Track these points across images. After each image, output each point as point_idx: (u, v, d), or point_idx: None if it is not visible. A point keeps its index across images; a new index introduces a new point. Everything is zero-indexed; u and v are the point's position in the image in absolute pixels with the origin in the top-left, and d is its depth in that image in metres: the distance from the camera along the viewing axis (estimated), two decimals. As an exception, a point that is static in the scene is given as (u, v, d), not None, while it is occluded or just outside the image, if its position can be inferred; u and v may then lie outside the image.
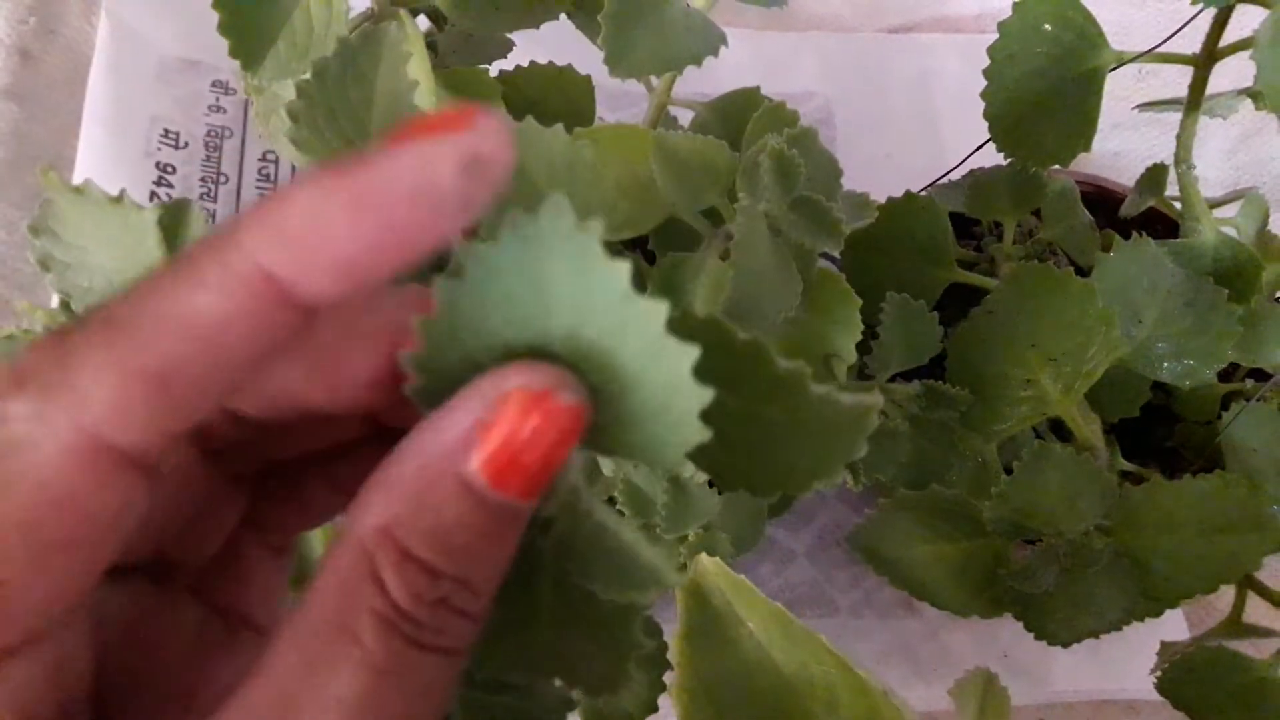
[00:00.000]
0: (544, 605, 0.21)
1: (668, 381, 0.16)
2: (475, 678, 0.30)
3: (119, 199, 0.33)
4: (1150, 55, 0.46)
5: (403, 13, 0.41)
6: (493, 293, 0.16)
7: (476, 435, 0.16)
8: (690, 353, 0.16)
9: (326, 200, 0.15)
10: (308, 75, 0.31)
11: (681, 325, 0.16)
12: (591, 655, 0.21)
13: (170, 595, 0.20)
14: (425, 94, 0.35)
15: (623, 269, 0.16)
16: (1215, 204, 0.52)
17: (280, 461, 0.21)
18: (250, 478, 0.21)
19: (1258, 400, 0.50)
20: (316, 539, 0.36)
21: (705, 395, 0.16)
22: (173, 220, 0.35)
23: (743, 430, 0.19)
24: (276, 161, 0.65)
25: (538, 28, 0.44)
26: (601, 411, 0.17)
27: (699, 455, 0.19)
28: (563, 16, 0.44)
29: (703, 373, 0.16)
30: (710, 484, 0.43)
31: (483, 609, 0.17)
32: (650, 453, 0.17)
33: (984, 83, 0.47)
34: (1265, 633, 0.46)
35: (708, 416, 0.17)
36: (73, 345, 0.15)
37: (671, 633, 0.30)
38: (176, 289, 0.15)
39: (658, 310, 0.16)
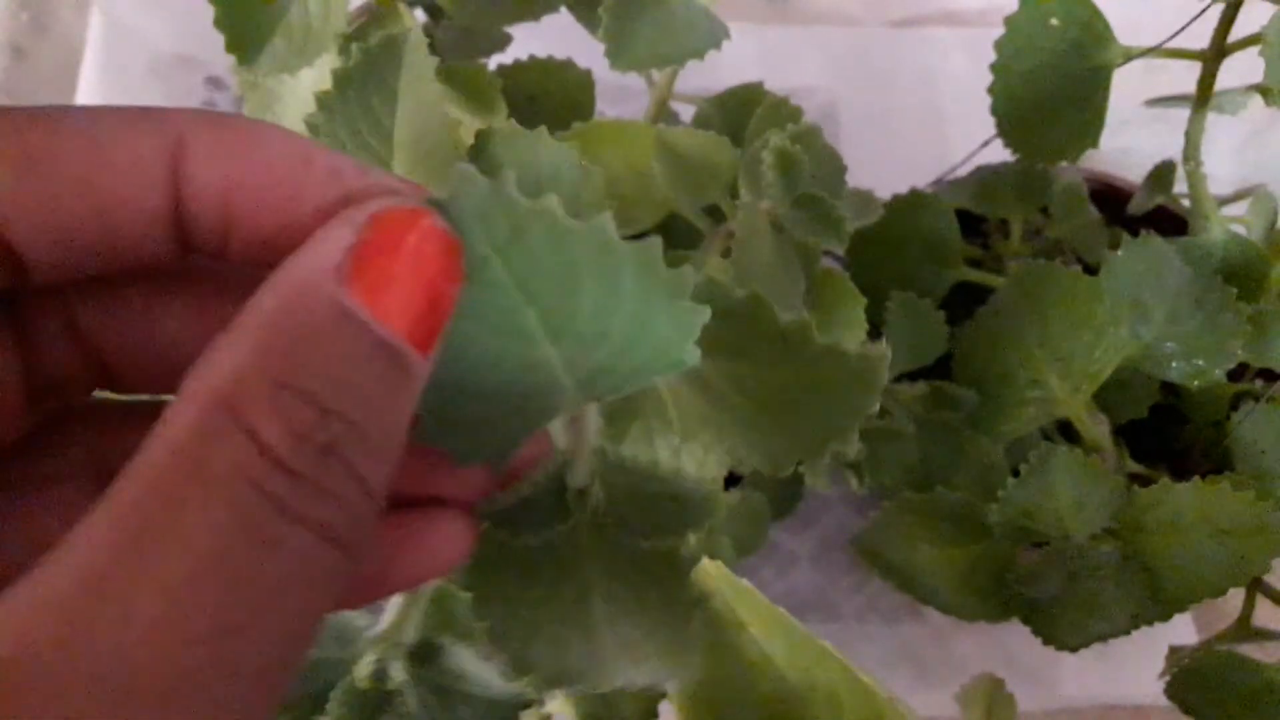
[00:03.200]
0: (595, 587, 0.20)
1: (640, 282, 0.16)
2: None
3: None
4: (1158, 51, 0.45)
5: (401, 5, 0.40)
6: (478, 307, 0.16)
7: (348, 257, 0.15)
8: (654, 242, 0.15)
9: None
10: (328, 86, 0.30)
11: None
12: (651, 628, 0.21)
13: None
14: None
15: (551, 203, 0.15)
16: (1224, 201, 0.51)
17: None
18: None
19: (1267, 401, 0.49)
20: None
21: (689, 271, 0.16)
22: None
23: (751, 400, 0.18)
24: (272, 158, 0.64)
25: (537, 20, 0.43)
26: (590, 353, 0.16)
27: (710, 433, 0.18)
28: (563, 9, 0.43)
29: (704, 340, 0.16)
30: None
31: (379, 482, 0.15)
32: (653, 363, 0.17)
33: (990, 78, 0.46)
34: (1274, 636, 0.45)
35: (716, 389, 0.16)
36: None
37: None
38: None
39: (602, 226, 0.15)
